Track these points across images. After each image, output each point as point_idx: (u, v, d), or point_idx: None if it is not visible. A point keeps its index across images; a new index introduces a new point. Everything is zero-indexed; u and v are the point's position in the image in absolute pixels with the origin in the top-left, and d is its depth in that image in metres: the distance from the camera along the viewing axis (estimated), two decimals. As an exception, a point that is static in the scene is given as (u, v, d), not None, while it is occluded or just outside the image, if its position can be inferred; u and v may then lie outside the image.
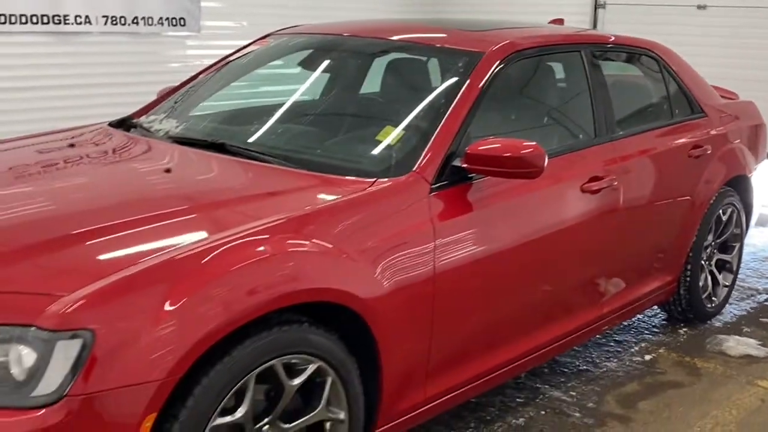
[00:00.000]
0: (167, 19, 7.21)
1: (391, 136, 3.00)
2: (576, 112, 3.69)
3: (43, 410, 1.99)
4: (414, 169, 2.84)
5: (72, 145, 3.24)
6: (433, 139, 2.93)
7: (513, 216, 3.12)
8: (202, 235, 2.36)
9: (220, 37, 7.59)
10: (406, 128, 3.05)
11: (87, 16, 6.68)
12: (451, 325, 2.90)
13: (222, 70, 3.91)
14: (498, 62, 3.25)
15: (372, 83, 3.54)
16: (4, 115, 6.25)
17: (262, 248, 2.36)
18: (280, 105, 3.46)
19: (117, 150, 3.23)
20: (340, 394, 2.57)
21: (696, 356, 4.24)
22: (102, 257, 2.27)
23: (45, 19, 6.43)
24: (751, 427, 3.52)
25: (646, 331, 4.54)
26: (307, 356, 2.44)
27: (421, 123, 3.06)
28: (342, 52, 3.70)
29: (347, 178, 2.80)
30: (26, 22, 6.32)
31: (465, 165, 2.90)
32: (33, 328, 2.02)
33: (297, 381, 2.44)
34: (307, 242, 2.47)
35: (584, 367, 4.05)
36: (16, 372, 2.03)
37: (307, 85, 3.60)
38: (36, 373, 2.01)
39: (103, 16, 6.76)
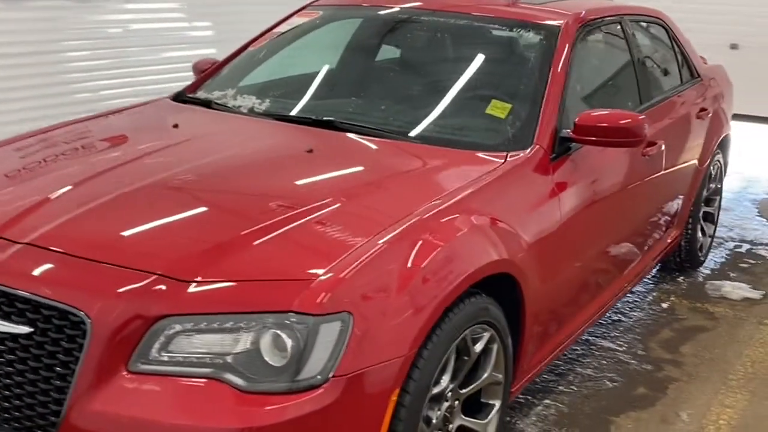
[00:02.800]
0: (110, -17, 6.94)
1: (501, 110, 3.12)
2: (626, 80, 3.93)
3: (314, 392, 2.03)
4: (534, 142, 2.99)
5: (176, 126, 3.15)
6: (542, 112, 3.08)
7: (603, 178, 3.35)
8: (395, 216, 2.40)
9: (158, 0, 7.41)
10: (511, 101, 3.17)
11: (34, -19, 6.33)
12: (567, 278, 3.12)
13: (273, 42, 3.87)
14: (575, 34, 3.43)
15: (442, 56, 3.61)
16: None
17: (456, 227, 2.46)
18: (362, 78, 3.50)
19: (233, 130, 3.18)
20: (501, 358, 2.71)
21: (705, 302, 4.63)
22: (320, 240, 2.29)
23: (-8, -17, 6.05)
24: (783, 362, 3.94)
25: (650, 282, 4.89)
26: (484, 325, 2.57)
27: (523, 96, 3.20)
28: (408, 25, 3.75)
29: (480, 153, 2.91)
30: (-28, -13, 5.94)
31: (573, 135, 3.06)
32: (291, 314, 2.04)
33: (478, 348, 2.57)
34: (482, 218, 2.58)
35: (616, 317, 4.35)
36: (272, 358, 2.05)
37: (381, 58, 3.65)
38: (299, 357, 2.04)
39: (49, -19, 6.42)
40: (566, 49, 3.34)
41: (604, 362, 3.84)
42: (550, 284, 2.95)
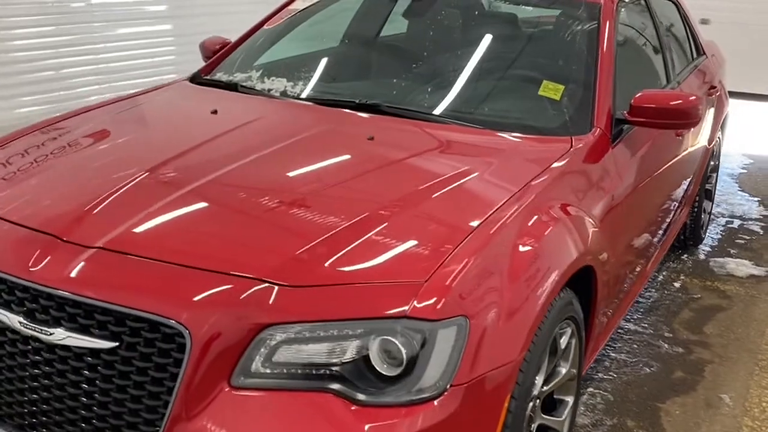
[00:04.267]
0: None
1: (554, 91, 2.99)
2: (654, 57, 3.85)
3: (431, 404, 1.88)
4: (594, 125, 2.88)
5: (215, 112, 2.93)
6: (597, 93, 2.97)
7: (650, 159, 3.27)
8: (485, 212, 2.24)
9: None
10: (562, 82, 3.04)
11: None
12: (623, 264, 3.04)
13: (289, 21, 3.66)
14: (614, 11, 3.32)
15: (478, 35, 3.44)
16: None
17: (547, 223, 2.34)
18: (396, 59, 3.32)
19: (279, 116, 2.97)
20: (576, 352, 2.61)
21: (714, 280, 4.63)
22: (418, 239, 2.12)
23: None
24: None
25: (656, 260, 4.87)
26: (568, 320, 2.46)
27: (575, 77, 3.08)
28: (440, 1, 3.58)
29: (545, 138, 2.79)
30: None
31: (628, 117, 2.97)
32: (405, 320, 1.89)
33: (563, 344, 2.46)
34: (565, 210, 2.46)
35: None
36: (383, 367, 1.90)
37: (413, 37, 3.47)
38: (415, 366, 1.89)
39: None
40: (608, 26, 3.24)
41: (635, 346, 3.79)
42: (613, 271, 2.86)
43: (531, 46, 3.29)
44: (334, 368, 1.90)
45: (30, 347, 2.00)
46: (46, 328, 1.97)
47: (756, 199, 6.18)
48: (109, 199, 2.22)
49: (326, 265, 1.99)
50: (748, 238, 5.33)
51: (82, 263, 1.99)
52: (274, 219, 2.18)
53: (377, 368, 1.91)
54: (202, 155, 2.54)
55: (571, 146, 2.74)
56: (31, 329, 1.98)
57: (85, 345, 1.93)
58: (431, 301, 1.91)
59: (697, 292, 4.45)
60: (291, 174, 2.48)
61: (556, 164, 2.60)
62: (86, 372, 1.94)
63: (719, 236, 5.35)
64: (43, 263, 2.01)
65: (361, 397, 1.89)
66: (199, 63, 3.69)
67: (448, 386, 1.90)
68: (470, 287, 1.98)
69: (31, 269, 2.01)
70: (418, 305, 1.90)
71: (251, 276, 1.94)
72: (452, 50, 3.33)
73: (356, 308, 1.92)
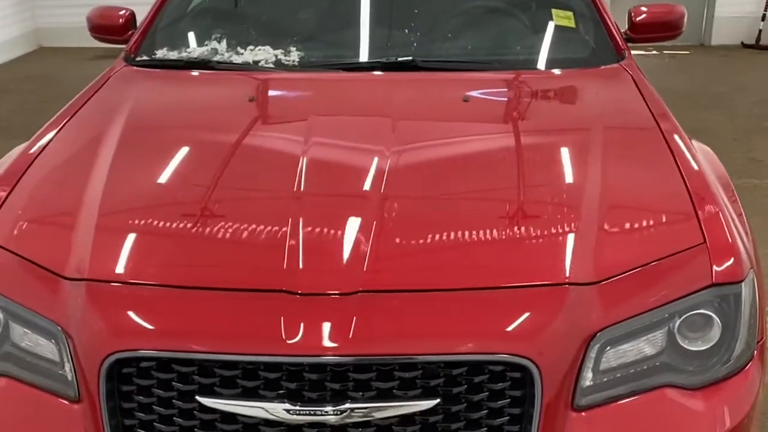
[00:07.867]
0: None
1: (566, 18, 2.89)
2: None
3: (748, 368, 1.78)
4: (622, 47, 2.84)
5: (252, 100, 2.43)
6: (604, 13, 2.93)
7: None
8: (664, 152, 2.13)
9: None
10: (567, 8, 2.94)
11: None
12: None
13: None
14: None
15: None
16: None
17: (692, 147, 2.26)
18: (393, 6, 2.95)
19: (330, 92, 2.52)
20: None
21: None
22: (646, 202, 1.96)
23: None
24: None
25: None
26: None
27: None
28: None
29: (599, 68, 2.70)
30: None
31: (632, 35, 2.99)
32: (713, 288, 1.74)
33: None
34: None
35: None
36: (691, 344, 1.75)
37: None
38: (728, 334, 1.77)
39: None
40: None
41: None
42: None
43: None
44: (655, 361, 1.72)
45: None
46: (330, 408, 1.54)
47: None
48: (304, 236, 1.74)
49: (604, 255, 1.76)
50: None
51: (354, 316, 1.57)
52: (503, 218, 1.86)
53: (686, 347, 1.75)
54: (329, 159, 2.09)
55: (628, 72, 2.68)
56: (307, 414, 1.54)
57: (394, 413, 1.55)
58: (728, 263, 1.78)
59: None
60: (452, 163, 2.13)
61: (641, 92, 2.52)
62: None
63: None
64: (297, 328, 1.56)
65: (689, 381, 1.73)
66: None
67: (755, 348, 1.81)
68: (738, 235, 1.88)
69: (285, 340, 1.55)
70: (719, 269, 1.76)
71: (559, 282, 1.67)
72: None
73: (663, 291, 1.73)
